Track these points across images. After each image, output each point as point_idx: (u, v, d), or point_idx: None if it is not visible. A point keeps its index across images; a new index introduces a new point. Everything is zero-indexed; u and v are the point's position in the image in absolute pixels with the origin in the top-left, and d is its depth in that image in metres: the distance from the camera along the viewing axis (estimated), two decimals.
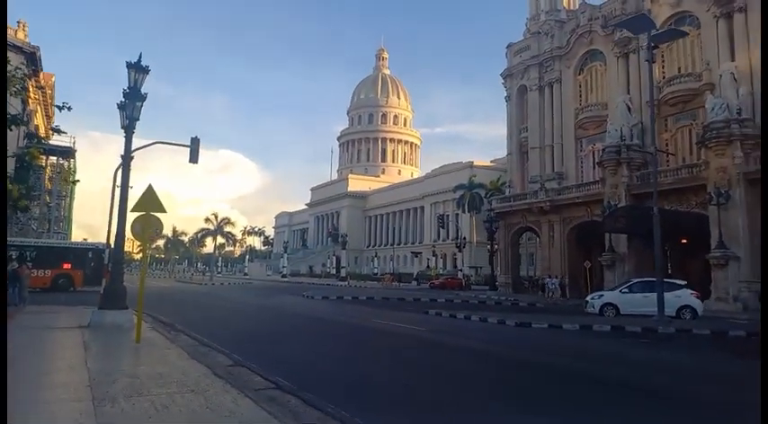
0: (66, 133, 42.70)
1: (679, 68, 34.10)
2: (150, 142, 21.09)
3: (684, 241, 33.39)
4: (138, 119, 14.15)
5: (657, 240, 18.02)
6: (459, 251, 61.85)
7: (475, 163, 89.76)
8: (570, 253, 39.43)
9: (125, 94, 13.93)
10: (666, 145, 34.87)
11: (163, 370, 8.08)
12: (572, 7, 47.18)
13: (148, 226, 10.74)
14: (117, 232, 14.03)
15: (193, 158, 21.39)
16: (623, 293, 20.61)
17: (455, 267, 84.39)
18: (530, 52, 44.52)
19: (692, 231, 30.22)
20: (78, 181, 40.67)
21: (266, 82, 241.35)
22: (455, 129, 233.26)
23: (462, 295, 38.21)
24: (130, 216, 11.82)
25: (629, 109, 35.27)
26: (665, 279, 20.15)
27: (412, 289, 50.64)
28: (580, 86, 41.33)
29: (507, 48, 46.83)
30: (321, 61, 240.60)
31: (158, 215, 11.01)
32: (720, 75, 28.83)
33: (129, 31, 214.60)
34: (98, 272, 29.98)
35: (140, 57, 14.13)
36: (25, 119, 38.44)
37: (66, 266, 31.26)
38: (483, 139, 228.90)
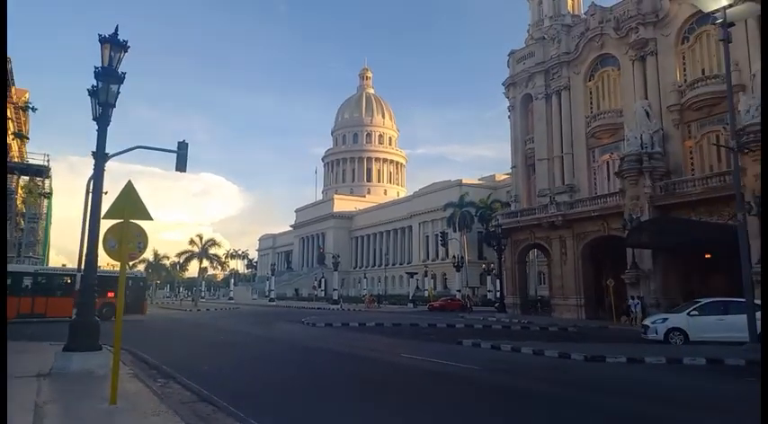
0: (28, 139, 39.33)
1: (703, 70, 32.04)
2: (130, 147, 18.16)
3: (708, 255, 31.10)
4: (114, 106, 11.13)
5: (745, 253, 15.18)
6: (458, 270, 58.89)
7: (464, 181, 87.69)
8: (585, 271, 36.83)
9: (97, 75, 10.92)
10: (691, 152, 32.70)
11: None
12: (577, 12, 45.30)
13: (127, 238, 7.60)
14: (87, 249, 10.90)
15: (181, 165, 18.41)
16: (692, 316, 17.62)
17: (445, 287, 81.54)
18: (534, 59, 42.28)
19: (719, 244, 27.73)
20: (50, 194, 37.23)
21: (246, 104, 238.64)
22: (436, 150, 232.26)
23: (471, 318, 35.23)
24: (105, 227, 8.68)
25: (647, 114, 33.10)
26: (733, 299, 17.49)
27: (411, 312, 47.34)
28: (591, 93, 39.05)
29: (509, 55, 44.59)
30: (301, 85, 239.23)
31: (140, 223, 7.89)
32: (753, 76, 26.72)
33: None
34: (138, 300, 33.56)
35: (117, 29, 11.19)
36: None
37: (110, 294, 30.43)
38: (464, 160, 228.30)
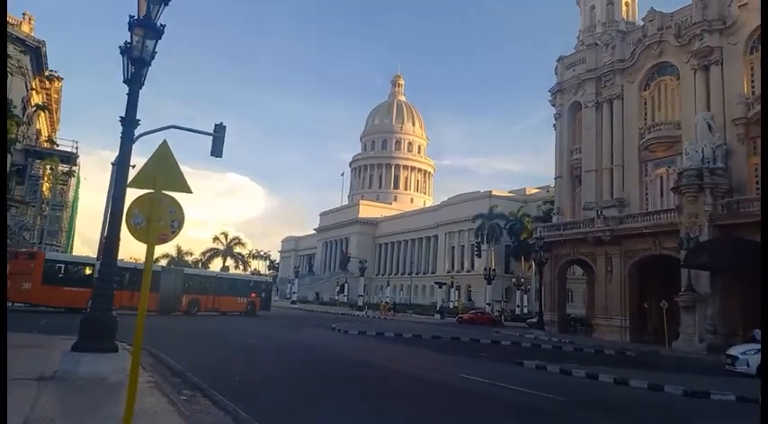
0: (48, 109, 38.66)
1: None
2: (163, 126, 16.68)
3: None
4: (150, 65, 9.52)
5: None
6: (488, 283, 56.60)
7: (493, 193, 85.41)
8: (631, 291, 34.42)
9: (131, 26, 9.26)
10: (756, 169, 30.15)
11: None
12: (631, 18, 43.03)
13: (158, 214, 5.80)
14: (109, 231, 9.28)
15: (217, 150, 16.89)
16: None
17: (469, 299, 79.05)
18: (585, 65, 40.01)
19: None
20: (74, 173, 36.52)
21: (276, 108, 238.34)
22: (462, 162, 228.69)
23: (508, 334, 32.95)
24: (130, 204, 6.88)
25: (710, 127, 30.72)
26: None
27: (440, 324, 45.26)
28: (646, 103, 36.58)
29: (558, 61, 42.40)
30: (331, 89, 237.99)
31: (175, 195, 6.08)
32: None
33: None
34: (268, 299, 40.63)
35: None
36: (25, 119, 34.55)
37: (252, 294, 38.87)
38: (490, 173, 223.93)
